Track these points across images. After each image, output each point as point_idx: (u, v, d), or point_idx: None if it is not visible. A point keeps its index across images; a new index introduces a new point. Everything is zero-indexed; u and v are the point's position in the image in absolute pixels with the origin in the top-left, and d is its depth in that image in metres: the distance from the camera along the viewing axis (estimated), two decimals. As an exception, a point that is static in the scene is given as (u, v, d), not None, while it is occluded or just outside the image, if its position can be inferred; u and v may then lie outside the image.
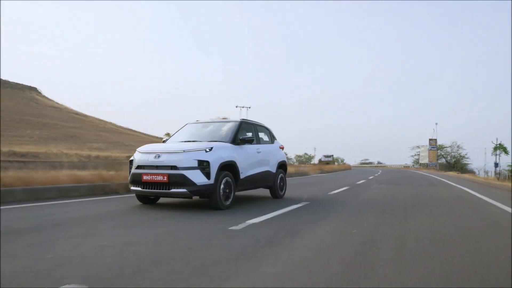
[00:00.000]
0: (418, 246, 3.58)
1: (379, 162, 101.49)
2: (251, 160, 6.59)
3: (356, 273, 2.66)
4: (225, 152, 5.90)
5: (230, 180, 5.84)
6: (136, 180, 5.67)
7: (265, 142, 7.53)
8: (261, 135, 7.53)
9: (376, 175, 24.56)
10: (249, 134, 6.96)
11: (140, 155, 5.84)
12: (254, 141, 6.91)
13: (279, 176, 7.70)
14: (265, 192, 8.43)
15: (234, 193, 5.96)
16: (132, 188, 5.81)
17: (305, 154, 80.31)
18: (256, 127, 7.39)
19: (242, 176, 6.21)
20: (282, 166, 7.91)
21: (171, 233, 3.92)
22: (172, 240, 3.55)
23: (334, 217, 5.35)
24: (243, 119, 7.00)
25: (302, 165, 46.37)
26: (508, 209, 6.76)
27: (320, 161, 59.68)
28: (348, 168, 48.23)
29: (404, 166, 74.34)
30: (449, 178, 22.12)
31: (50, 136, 42.67)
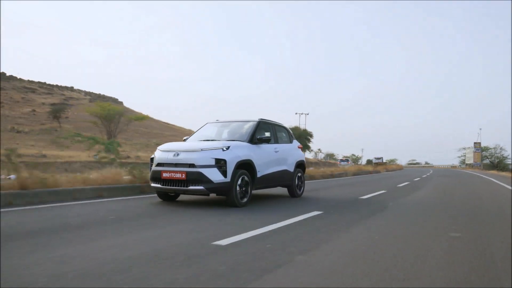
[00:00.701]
0: (460, 186, 13.08)
1: (426, 163, 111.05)
2: (268, 159, 6.67)
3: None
4: (242, 151, 6.01)
5: (246, 178, 5.95)
6: (156, 177, 5.87)
7: (283, 142, 7.59)
8: (279, 134, 7.59)
9: (430, 173, 30.68)
10: (267, 134, 7.05)
11: (161, 153, 6.04)
12: (272, 141, 6.99)
13: (297, 175, 7.73)
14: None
15: (251, 191, 6.07)
16: (153, 185, 6.01)
17: (352, 155, 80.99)
18: (274, 127, 7.46)
19: (259, 174, 6.30)
20: (300, 165, 7.93)
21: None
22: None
23: (428, 185, 12.79)
24: (261, 119, 7.08)
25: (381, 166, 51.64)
26: (504, 184, 14.36)
27: (369, 161, 67.99)
28: (400, 168, 53.50)
29: (451, 166, 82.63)
30: (487, 175, 28.92)
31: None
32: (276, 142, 7.24)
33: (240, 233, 3.66)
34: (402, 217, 5.33)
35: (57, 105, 49.81)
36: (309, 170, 16.91)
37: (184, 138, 7.24)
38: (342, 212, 5.60)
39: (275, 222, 4.36)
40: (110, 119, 32.68)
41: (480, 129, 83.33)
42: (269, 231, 3.89)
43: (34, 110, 50.90)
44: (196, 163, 5.55)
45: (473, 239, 3.76)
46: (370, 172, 27.90)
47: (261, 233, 3.77)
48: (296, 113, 62.37)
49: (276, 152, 6.99)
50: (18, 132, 39.15)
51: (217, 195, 5.88)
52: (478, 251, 3.24)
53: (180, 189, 5.69)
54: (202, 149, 5.70)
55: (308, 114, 59.69)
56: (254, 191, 6.49)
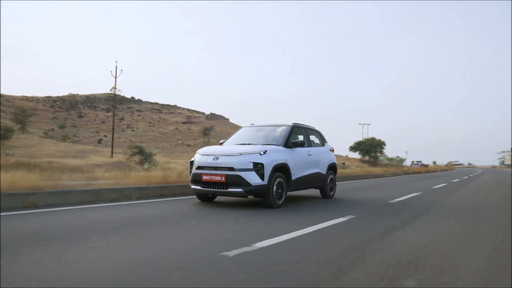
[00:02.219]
0: (503, 175, 32.11)
1: (469, 163, 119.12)
2: (302, 162, 6.90)
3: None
4: (278, 155, 6.26)
5: (282, 181, 6.20)
6: (197, 179, 6.21)
7: (316, 145, 7.79)
8: (312, 138, 7.80)
9: (479, 171, 41.93)
10: (301, 138, 7.28)
11: (200, 157, 6.36)
12: (305, 144, 7.21)
13: (329, 178, 7.93)
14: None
15: (286, 193, 6.31)
16: (193, 186, 6.35)
17: (397, 157, 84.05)
18: (307, 131, 7.68)
19: (293, 177, 6.55)
20: (332, 168, 8.12)
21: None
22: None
23: (485, 176, 27.23)
24: (295, 123, 7.30)
25: (447, 166, 69.57)
26: None
27: (415, 164, 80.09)
28: (453, 168, 67.09)
29: (492, 166, 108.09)
30: (519, 171, 47.58)
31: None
32: (309, 145, 7.45)
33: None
34: (489, 180, 18.86)
35: (205, 123, 64.20)
36: (430, 168, 44.96)
37: (221, 141, 7.54)
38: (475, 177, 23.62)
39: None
40: None
41: None
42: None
43: (177, 128, 62.86)
44: (235, 167, 5.85)
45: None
46: (443, 170, 44.99)
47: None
48: (359, 124, 70.64)
49: (309, 155, 7.20)
50: (188, 145, 49.90)
51: (254, 197, 6.15)
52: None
53: (219, 191, 6.00)
54: (240, 153, 5.99)
55: (369, 124, 66.06)
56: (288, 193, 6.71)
